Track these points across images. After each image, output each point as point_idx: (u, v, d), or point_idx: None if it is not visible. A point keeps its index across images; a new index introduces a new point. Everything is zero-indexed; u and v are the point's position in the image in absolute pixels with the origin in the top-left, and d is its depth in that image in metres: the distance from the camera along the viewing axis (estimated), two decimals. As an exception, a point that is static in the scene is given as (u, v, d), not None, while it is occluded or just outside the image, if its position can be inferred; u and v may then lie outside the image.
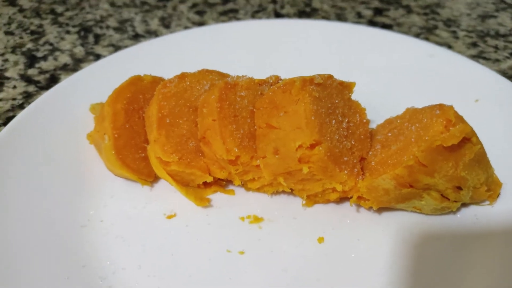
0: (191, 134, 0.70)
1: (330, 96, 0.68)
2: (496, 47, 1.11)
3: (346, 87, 0.71)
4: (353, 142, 0.68)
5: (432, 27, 1.21)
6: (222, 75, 0.78)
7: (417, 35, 1.18)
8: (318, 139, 0.61)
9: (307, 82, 0.64)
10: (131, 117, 0.73)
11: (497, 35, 1.16)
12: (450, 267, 0.62)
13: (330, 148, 0.62)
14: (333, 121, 0.66)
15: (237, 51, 1.01)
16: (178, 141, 0.69)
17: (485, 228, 0.66)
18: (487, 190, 0.67)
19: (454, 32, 1.18)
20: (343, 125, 0.68)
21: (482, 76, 0.85)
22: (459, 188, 0.64)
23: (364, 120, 0.72)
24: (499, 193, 0.69)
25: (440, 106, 0.65)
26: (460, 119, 0.63)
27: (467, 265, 0.62)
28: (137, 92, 0.74)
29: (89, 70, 0.90)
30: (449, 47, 1.12)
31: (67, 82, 0.86)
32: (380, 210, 0.69)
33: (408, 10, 1.30)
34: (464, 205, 0.69)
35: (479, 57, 1.08)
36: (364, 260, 0.63)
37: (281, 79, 0.75)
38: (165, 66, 0.94)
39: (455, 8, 1.30)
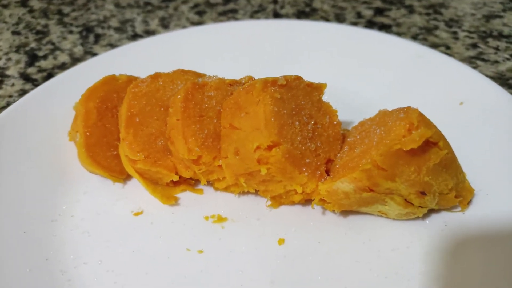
0: (160, 133, 0.71)
1: (295, 97, 0.67)
2: (497, 48, 1.07)
3: (315, 89, 0.70)
4: (319, 144, 0.67)
5: (433, 28, 1.18)
6: (198, 75, 0.79)
7: (415, 36, 1.15)
8: (277, 140, 0.60)
9: (268, 83, 0.64)
10: (104, 116, 0.74)
11: (500, 36, 1.11)
12: (412, 272, 0.60)
13: (289, 149, 0.62)
14: (297, 123, 0.65)
15: (228, 51, 1.01)
16: (146, 140, 0.70)
17: (453, 235, 0.64)
18: (456, 196, 0.64)
19: (454, 32, 1.15)
20: (308, 127, 0.67)
21: (469, 78, 0.82)
22: (423, 194, 0.62)
23: (335, 122, 0.71)
24: (471, 200, 0.66)
25: (406, 109, 0.63)
26: (424, 122, 0.61)
27: (430, 271, 0.60)
28: (111, 91, 0.75)
29: (77, 69, 0.92)
30: (447, 48, 1.09)
31: (53, 81, 0.89)
32: (346, 213, 0.68)
33: (410, 10, 1.27)
34: (435, 211, 0.67)
35: (477, 58, 1.04)
36: (322, 264, 0.62)
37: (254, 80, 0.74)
38: (153, 66, 0.95)
39: (460, 8, 1.25)
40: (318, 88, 0.71)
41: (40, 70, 1.12)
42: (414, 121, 0.59)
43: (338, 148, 0.70)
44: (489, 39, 1.11)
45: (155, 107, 0.72)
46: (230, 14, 1.33)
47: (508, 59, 1.03)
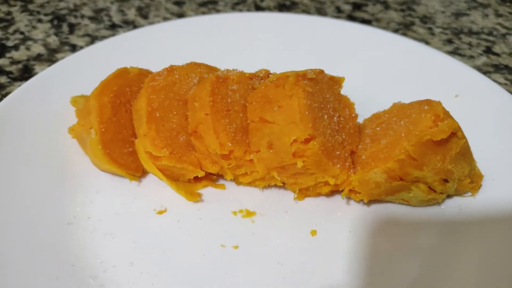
0: (181, 128, 0.69)
1: (321, 91, 0.68)
2: (470, 44, 1.15)
3: (336, 82, 0.72)
4: (344, 136, 0.69)
5: (409, 23, 1.24)
6: (211, 68, 0.77)
7: (395, 31, 1.20)
8: (312, 133, 0.61)
9: (300, 77, 0.64)
10: (117, 111, 0.71)
11: (470, 33, 1.20)
12: (437, 256, 0.64)
13: (324, 142, 0.63)
14: (325, 116, 0.66)
15: (219, 44, 1.00)
16: (168, 135, 0.68)
17: (468, 219, 0.69)
18: (470, 182, 0.69)
19: (430, 28, 1.22)
20: (334, 120, 0.68)
21: (461, 72, 0.88)
22: (446, 181, 0.66)
23: (353, 115, 0.73)
24: (481, 185, 0.71)
25: (428, 102, 0.67)
26: (447, 114, 0.65)
27: (452, 254, 0.65)
28: (124, 85, 0.72)
29: (67, 61, 0.86)
30: (427, 43, 1.15)
31: (45, 73, 0.83)
32: (369, 202, 0.71)
33: (386, 6, 1.33)
34: (448, 196, 0.72)
35: (455, 53, 1.12)
36: (356, 250, 0.64)
37: (271, 73, 0.74)
38: (146, 58, 0.92)
39: (430, 5, 1.33)
40: (338, 81, 0.72)
41: (14, 61, 1.03)
42: (439, 113, 0.63)
43: (358, 139, 0.72)
44: (462, 35, 1.19)
45: (173, 101, 0.70)
46: (210, 6, 1.31)
47: (481, 54, 1.12)
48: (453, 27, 1.22)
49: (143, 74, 0.74)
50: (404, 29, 1.21)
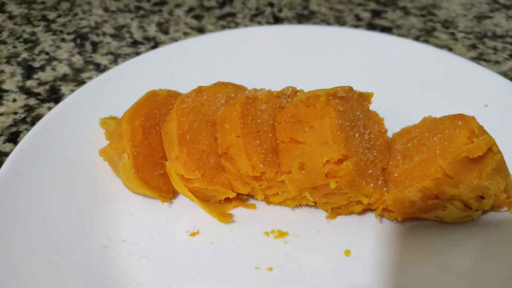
0: (211, 149, 0.69)
1: (351, 108, 0.68)
2: (495, 49, 1.13)
3: (365, 98, 0.72)
4: (375, 154, 0.68)
5: (431, 29, 1.22)
6: (237, 87, 0.77)
7: (417, 38, 1.19)
8: (345, 154, 0.61)
9: (331, 96, 0.64)
10: (148, 134, 0.71)
11: (495, 36, 1.18)
12: (474, 274, 0.63)
13: (357, 162, 0.62)
14: (357, 134, 0.66)
15: (241, 59, 1.00)
16: (199, 157, 0.68)
17: (504, 235, 0.68)
18: (506, 197, 0.68)
19: (452, 34, 1.20)
20: (365, 137, 0.68)
21: (489, 80, 0.87)
22: (482, 197, 0.65)
23: (383, 130, 0.73)
24: (517, 199, 0.70)
25: (462, 117, 0.66)
26: (482, 129, 0.64)
27: (489, 270, 0.63)
28: (153, 108, 0.72)
29: (94, 83, 0.88)
30: (450, 49, 1.14)
31: (74, 96, 0.84)
32: (403, 221, 0.70)
33: (406, 11, 1.31)
34: (483, 212, 0.71)
35: (479, 59, 1.10)
36: (391, 271, 0.64)
37: (298, 91, 0.74)
38: (169, 77, 0.93)
39: (451, 9, 1.31)
40: (367, 97, 0.72)
41: (41, 83, 1.05)
42: (474, 128, 0.62)
43: (388, 156, 0.72)
44: (486, 40, 1.17)
45: (202, 122, 0.70)
46: (229, 18, 1.31)
47: (507, 59, 1.10)
48: (476, 31, 1.20)
49: (172, 95, 0.75)
50: (426, 35, 1.20)
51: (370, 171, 0.65)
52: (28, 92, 1.02)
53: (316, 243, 0.67)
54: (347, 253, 0.66)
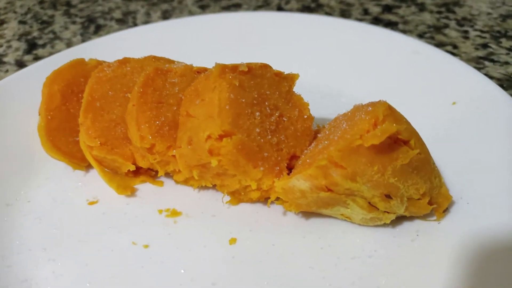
0: (122, 120, 0.68)
1: (259, 86, 0.62)
2: (509, 49, 0.98)
3: (285, 79, 0.65)
4: (282, 138, 0.62)
5: (442, 26, 1.09)
6: (171, 62, 0.75)
7: (422, 34, 1.07)
8: (229, 130, 0.56)
9: (227, 69, 0.59)
10: (68, 100, 0.72)
11: (515, 36, 1.02)
12: (370, 285, 0.54)
13: (243, 141, 0.57)
14: (257, 113, 0.60)
15: (217, 42, 0.98)
16: (106, 126, 0.67)
17: (423, 246, 0.57)
18: (430, 203, 0.57)
19: (465, 32, 1.06)
20: (272, 119, 0.62)
21: (465, 77, 0.75)
22: (389, 197, 0.55)
23: (305, 116, 0.66)
24: (447, 208, 0.59)
25: (376, 103, 0.57)
26: (393, 117, 0.54)
27: (391, 284, 0.54)
28: (78, 75, 0.73)
29: (58, 57, 0.91)
30: (454, 47, 1.00)
31: (34, 67, 0.88)
32: (308, 216, 0.62)
33: (421, 8, 1.19)
34: (408, 219, 0.60)
35: (485, 59, 0.95)
36: (272, 268, 0.57)
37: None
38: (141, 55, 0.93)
39: (476, 7, 1.16)
40: (289, 79, 0.66)
41: (36, 57, 1.12)
42: (380, 115, 0.53)
43: (307, 144, 0.64)
44: (503, 39, 1.02)
45: (119, 92, 0.69)
46: (233, 9, 1.30)
47: (520, 60, 0.94)
48: (495, 30, 1.05)
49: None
50: (433, 32, 1.08)
51: (265, 154, 0.59)
52: (22, 65, 1.10)
53: (205, 226, 0.62)
54: (232, 241, 0.60)
